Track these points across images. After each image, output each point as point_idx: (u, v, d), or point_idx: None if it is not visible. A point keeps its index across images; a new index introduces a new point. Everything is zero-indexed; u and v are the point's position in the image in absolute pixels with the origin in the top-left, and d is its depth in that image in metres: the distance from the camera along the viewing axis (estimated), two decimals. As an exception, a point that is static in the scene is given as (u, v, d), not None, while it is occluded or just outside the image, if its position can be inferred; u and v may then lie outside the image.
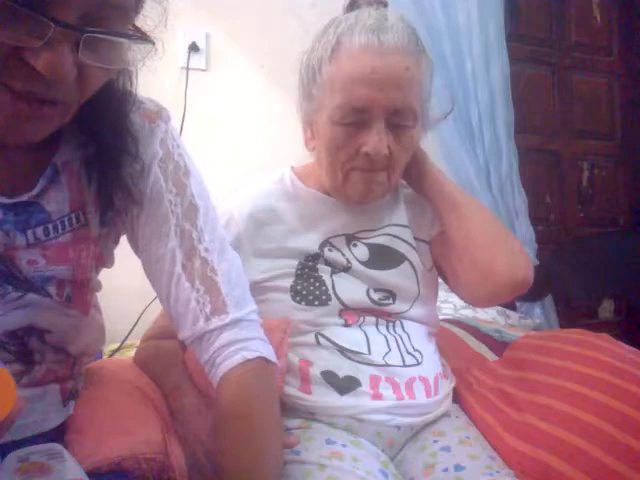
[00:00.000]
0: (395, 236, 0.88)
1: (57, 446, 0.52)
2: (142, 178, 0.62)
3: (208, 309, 0.60)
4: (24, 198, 0.55)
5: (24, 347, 0.58)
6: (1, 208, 0.53)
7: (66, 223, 0.57)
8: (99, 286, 0.69)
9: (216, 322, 0.60)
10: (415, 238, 0.89)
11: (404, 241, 0.88)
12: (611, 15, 2.45)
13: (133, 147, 0.59)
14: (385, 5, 0.84)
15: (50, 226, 0.56)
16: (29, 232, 0.55)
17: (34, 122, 0.47)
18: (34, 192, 0.55)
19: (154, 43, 0.51)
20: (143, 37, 0.50)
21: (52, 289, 0.57)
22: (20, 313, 0.56)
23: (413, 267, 0.87)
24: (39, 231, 0.56)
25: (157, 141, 0.64)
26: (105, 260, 0.65)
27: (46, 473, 0.47)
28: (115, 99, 0.58)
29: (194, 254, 0.61)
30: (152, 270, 0.63)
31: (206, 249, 0.62)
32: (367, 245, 0.86)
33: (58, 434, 0.65)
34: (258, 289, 0.84)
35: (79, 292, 0.60)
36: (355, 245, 0.86)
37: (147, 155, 0.62)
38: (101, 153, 0.58)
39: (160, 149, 0.64)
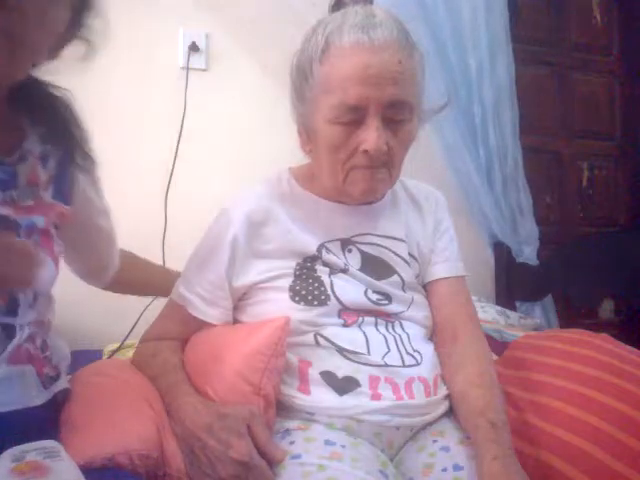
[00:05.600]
0: (389, 249, 0.88)
1: (53, 443, 0.52)
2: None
3: None
4: (7, 160, 0.69)
5: (12, 291, 0.67)
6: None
7: (28, 193, 0.71)
8: (61, 249, 0.78)
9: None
10: (410, 254, 0.89)
11: (397, 255, 0.88)
12: (611, 15, 2.45)
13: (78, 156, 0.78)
14: (370, 2, 0.84)
15: (20, 192, 0.70)
16: (7, 192, 0.68)
17: None
18: (14, 157, 0.70)
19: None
20: None
21: (22, 233, 0.69)
22: None
23: (402, 280, 0.87)
24: (14, 193, 0.69)
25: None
26: (69, 217, 0.79)
27: (42, 474, 0.46)
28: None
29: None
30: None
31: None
32: (361, 252, 0.87)
33: (43, 411, 0.69)
34: (257, 290, 0.84)
35: (45, 239, 0.72)
36: (350, 251, 0.86)
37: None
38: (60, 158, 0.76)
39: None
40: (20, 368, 0.67)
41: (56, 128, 0.75)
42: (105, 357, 1.25)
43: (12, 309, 0.67)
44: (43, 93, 0.74)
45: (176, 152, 1.62)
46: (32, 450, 0.49)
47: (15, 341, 0.66)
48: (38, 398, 0.69)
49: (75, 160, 0.77)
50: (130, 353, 1.03)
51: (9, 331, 0.67)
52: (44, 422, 0.68)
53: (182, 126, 1.62)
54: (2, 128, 0.71)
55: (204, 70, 1.71)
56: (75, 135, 0.77)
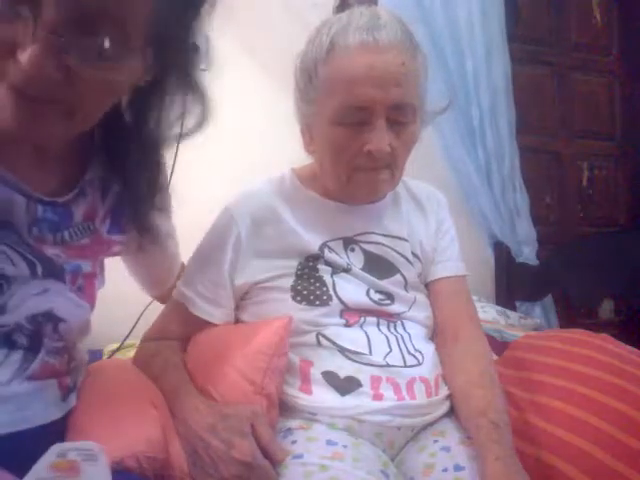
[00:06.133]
0: (392, 248, 0.88)
1: (97, 447, 0.52)
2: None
3: None
4: (60, 200, 0.65)
5: (38, 333, 0.65)
6: (41, 205, 0.63)
7: (83, 229, 0.68)
8: (103, 282, 0.76)
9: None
10: (412, 253, 0.90)
11: (400, 254, 0.88)
12: (611, 15, 2.45)
13: (158, 197, 0.73)
14: (375, 3, 0.84)
15: (72, 230, 0.66)
16: (58, 234, 0.64)
17: (38, 122, 0.51)
18: (69, 197, 0.65)
19: (145, 72, 0.57)
20: (128, 50, 0.51)
21: (68, 277, 0.66)
22: (42, 297, 0.64)
23: (405, 280, 0.87)
24: (66, 234, 0.65)
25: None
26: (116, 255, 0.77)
27: (73, 475, 0.46)
28: (149, 144, 0.69)
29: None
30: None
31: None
32: (364, 251, 0.87)
33: (58, 427, 0.67)
34: (259, 289, 0.84)
35: (89, 283, 0.70)
36: (353, 250, 0.86)
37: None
38: (128, 193, 0.70)
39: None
40: (42, 383, 0.66)
41: (125, 155, 0.68)
42: (105, 357, 1.25)
43: (35, 344, 0.65)
44: (116, 121, 0.65)
45: (176, 152, 1.61)
46: (75, 449, 0.50)
47: (37, 359, 0.65)
48: (58, 412, 0.68)
49: (141, 187, 0.70)
50: (130, 353, 1.03)
51: (33, 352, 0.65)
52: (63, 433, 0.67)
53: (182, 126, 1.62)
54: (65, 162, 0.66)
55: (204, 70, 1.71)
56: (146, 162, 0.70)
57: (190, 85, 0.64)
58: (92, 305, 0.72)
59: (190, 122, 0.68)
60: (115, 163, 0.68)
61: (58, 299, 0.65)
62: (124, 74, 0.53)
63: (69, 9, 0.46)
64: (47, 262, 0.64)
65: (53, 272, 0.64)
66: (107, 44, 0.49)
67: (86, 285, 0.69)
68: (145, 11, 0.50)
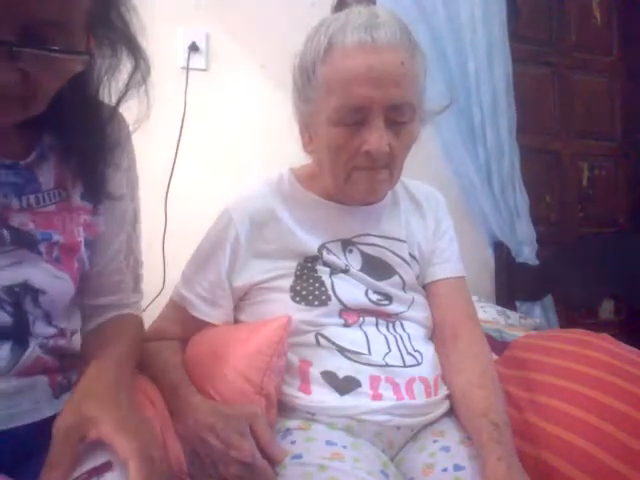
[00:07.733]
0: (389, 250, 0.88)
1: (106, 459, 0.53)
2: (113, 178, 0.72)
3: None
4: (22, 162, 0.64)
5: (19, 307, 0.63)
6: (4, 168, 0.62)
7: (52, 196, 0.67)
8: (85, 264, 0.72)
9: (135, 297, 0.82)
10: (410, 254, 0.89)
11: (398, 256, 0.88)
12: (611, 15, 2.45)
13: (109, 155, 0.70)
14: (374, 2, 0.84)
15: (40, 195, 0.65)
16: (23, 198, 0.64)
17: None
18: (29, 159, 0.65)
19: (91, 56, 0.59)
20: (77, 52, 0.56)
21: (42, 248, 0.65)
22: (15, 269, 0.63)
23: (403, 281, 0.87)
24: (32, 198, 0.64)
25: (131, 150, 0.76)
26: (95, 229, 0.73)
27: None
28: (89, 110, 0.67)
29: (131, 253, 0.80)
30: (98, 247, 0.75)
31: (139, 252, 0.82)
32: (361, 253, 0.87)
33: (51, 425, 0.66)
34: (258, 290, 0.84)
35: (67, 256, 0.68)
36: (351, 251, 0.86)
37: (122, 162, 0.74)
38: (80, 156, 0.68)
39: (129, 159, 0.76)
40: (31, 380, 0.65)
41: (80, 117, 0.66)
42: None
43: (21, 324, 0.64)
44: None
45: (176, 152, 1.61)
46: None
47: (27, 354, 0.64)
48: (49, 409, 0.67)
49: (105, 153, 0.69)
50: (130, 353, 1.03)
51: (22, 344, 0.64)
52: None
53: (182, 126, 1.62)
54: (20, 129, 0.64)
55: (204, 70, 1.71)
56: (101, 123, 0.68)
57: (122, 41, 0.64)
58: (73, 279, 0.68)
59: (131, 79, 0.67)
60: (64, 124, 0.66)
61: (33, 270, 0.64)
62: (72, 62, 0.56)
63: (15, 21, 0.49)
64: (16, 232, 0.62)
65: (25, 242, 0.63)
66: (54, 46, 0.52)
67: (64, 258, 0.67)
68: (84, 8, 0.54)
